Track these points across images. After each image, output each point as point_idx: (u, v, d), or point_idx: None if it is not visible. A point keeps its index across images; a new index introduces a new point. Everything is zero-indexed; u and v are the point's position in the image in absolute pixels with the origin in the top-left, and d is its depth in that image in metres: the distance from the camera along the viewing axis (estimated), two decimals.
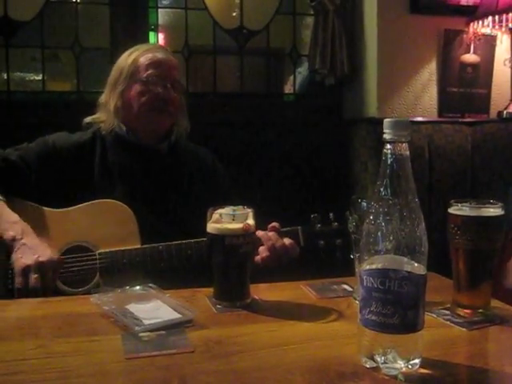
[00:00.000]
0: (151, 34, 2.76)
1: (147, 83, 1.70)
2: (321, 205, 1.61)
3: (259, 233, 1.44)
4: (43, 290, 1.40)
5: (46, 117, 2.41)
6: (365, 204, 1.14)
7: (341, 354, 0.95)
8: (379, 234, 0.85)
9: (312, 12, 2.73)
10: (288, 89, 3.00)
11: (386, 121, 0.86)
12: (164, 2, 2.86)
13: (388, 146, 0.86)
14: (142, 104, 1.71)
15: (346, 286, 1.34)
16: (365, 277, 0.87)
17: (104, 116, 1.75)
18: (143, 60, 1.73)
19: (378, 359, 0.87)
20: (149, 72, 1.71)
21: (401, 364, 0.87)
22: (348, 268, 1.25)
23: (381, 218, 0.86)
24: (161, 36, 2.89)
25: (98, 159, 1.71)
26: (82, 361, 0.93)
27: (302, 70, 2.92)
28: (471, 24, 2.61)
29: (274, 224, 1.51)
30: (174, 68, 1.77)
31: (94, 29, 2.74)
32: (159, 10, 2.76)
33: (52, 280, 1.44)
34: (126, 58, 1.76)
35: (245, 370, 0.90)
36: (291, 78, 2.94)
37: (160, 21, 2.79)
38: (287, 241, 1.48)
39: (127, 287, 1.26)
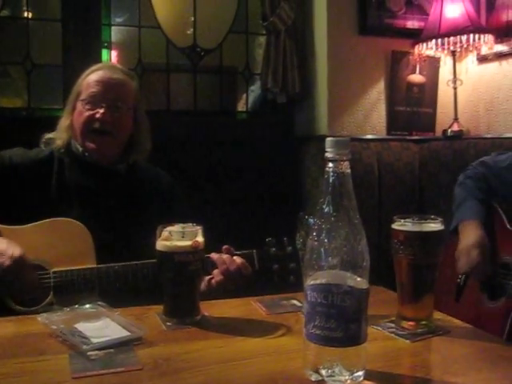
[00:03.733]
0: (104, 52, 2.75)
1: (86, 103, 1.68)
2: (273, 222, 1.63)
3: (213, 255, 1.45)
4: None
5: None
6: (312, 221, 1.16)
7: (287, 369, 0.96)
8: (322, 249, 0.88)
9: (264, 32, 2.78)
10: (241, 107, 3.04)
11: (328, 140, 0.89)
12: (117, 20, 2.85)
13: (330, 164, 0.89)
14: (79, 125, 1.69)
15: (295, 302, 1.36)
16: (309, 292, 0.89)
17: (61, 135, 1.74)
18: (89, 79, 1.71)
19: (323, 372, 0.89)
20: (89, 92, 1.68)
21: (345, 376, 0.89)
22: (301, 286, 1.28)
23: (324, 235, 0.88)
24: (114, 53, 2.88)
25: (55, 177, 1.69)
26: (27, 382, 0.92)
27: (255, 89, 2.96)
28: (416, 46, 2.71)
29: (226, 246, 1.51)
30: (120, 86, 1.72)
31: (46, 45, 2.71)
32: (112, 27, 2.76)
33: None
34: (81, 77, 1.74)
35: None
36: (244, 96, 2.97)
37: (113, 38, 2.79)
38: (239, 260, 1.49)
39: (76, 306, 1.25)
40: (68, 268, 1.53)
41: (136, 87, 1.79)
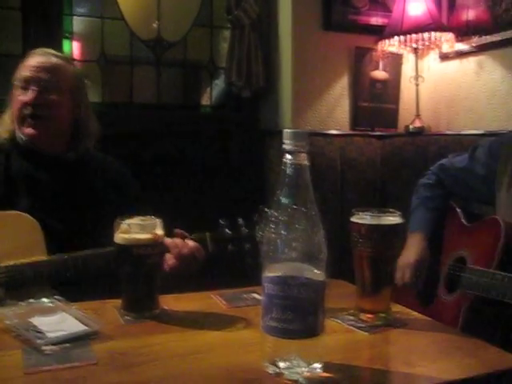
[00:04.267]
0: (65, 42, 2.69)
1: (18, 89, 1.66)
2: (233, 213, 1.61)
3: (166, 240, 1.43)
4: None
5: None
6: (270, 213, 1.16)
7: (245, 362, 0.96)
8: (279, 241, 0.88)
9: (229, 25, 2.77)
10: (205, 100, 3.02)
11: (286, 131, 0.89)
12: (79, 10, 2.80)
13: (287, 155, 0.89)
14: (14, 112, 1.67)
15: (255, 295, 1.36)
16: (266, 284, 0.89)
17: (3, 126, 1.71)
18: (22, 65, 1.69)
19: (281, 364, 0.89)
20: (20, 77, 1.66)
21: (302, 368, 0.89)
22: (259, 275, 1.28)
23: (280, 226, 0.88)
24: (76, 45, 2.82)
25: (1, 170, 1.65)
26: None
27: (219, 82, 2.95)
28: (380, 42, 2.74)
29: (179, 230, 1.50)
30: (52, 69, 1.68)
31: (5, 34, 2.64)
32: (74, 17, 2.71)
33: None
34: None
35: (148, 380, 0.89)
36: (208, 89, 2.96)
37: (75, 29, 2.73)
38: (191, 242, 1.47)
39: (32, 300, 1.22)
40: (18, 262, 1.50)
41: (73, 71, 1.77)
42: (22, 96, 1.65)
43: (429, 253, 1.78)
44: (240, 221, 1.56)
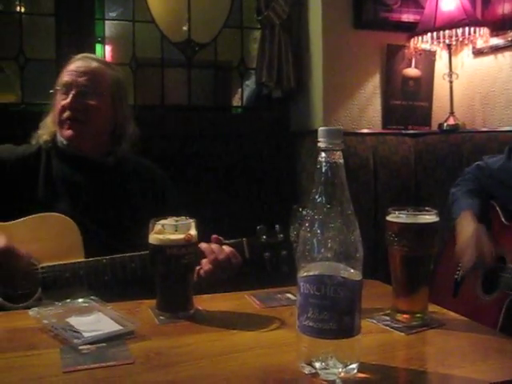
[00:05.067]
0: (98, 46, 2.73)
1: (59, 94, 1.69)
2: (269, 216, 1.61)
3: (202, 245, 1.44)
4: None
5: None
6: (305, 213, 1.15)
7: (281, 362, 0.95)
8: (315, 240, 0.87)
9: (259, 26, 2.76)
10: (236, 102, 3.03)
11: (321, 129, 0.88)
12: (111, 14, 2.84)
13: (322, 154, 0.88)
14: (55, 115, 1.70)
15: (289, 295, 1.35)
16: (302, 283, 0.88)
17: (45, 129, 1.74)
18: (64, 70, 1.72)
19: (317, 365, 0.88)
20: (61, 81, 1.69)
21: (339, 369, 0.88)
22: (295, 279, 1.27)
23: (316, 225, 0.87)
24: (108, 48, 2.87)
25: (42, 172, 1.68)
26: (17, 376, 0.90)
27: (250, 83, 2.95)
28: (412, 39, 2.70)
29: (215, 236, 1.51)
30: (92, 74, 1.70)
31: (39, 40, 2.69)
32: (106, 22, 2.74)
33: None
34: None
35: (184, 380, 0.89)
36: (239, 90, 2.96)
37: (107, 33, 2.77)
38: (228, 248, 1.48)
39: (68, 300, 1.23)
40: (56, 263, 1.52)
41: (113, 75, 1.77)
42: (62, 100, 1.68)
43: (484, 226, 1.71)
44: (277, 227, 1.56)
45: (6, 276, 1.44)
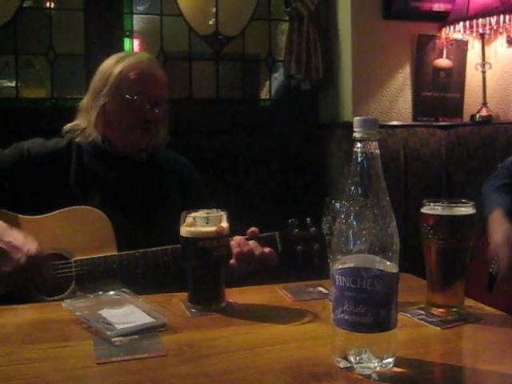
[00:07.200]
0: (126, 41, 2.74)
1: (132, 101, 1.65)
2: (298, 209, 1.60)
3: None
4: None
5: (20, 124, 2.38)
6: (338, 205, 1.14)
7: (315, 355, 0.94)
8: (350, 232, 0.85)
9: (287, 18, 2.74)
10: (264, 94, 3.01)
11: (356, 119, 0.87)
12: (139, 8, 2.84)
13: (358, 144, 0.86)
14: (124, 122, 1.66)
15: (321, 289, 1.34)
16: (337, 276, 0.87)
17: (84, 123, 1.71)
18: (131, 74, 1.65)
19: (352, 359, 0.87)
20: (135, 89, 1.65)
21: (374, 363, 0.86)
22: (326, 272, 1.26)
23: (352, 217, 0.86)
24: (136, 42, 2.87)
25: (73, 167, 1.68)
26: (52, 367, 0.91)
27: (278, 76, 2.92)
28: (443, 29, 2.65)
29: (252, 229, 1.50)
30: (162, 85, 1.71)
31: (68, 35, 2.71)
32: (134, 16, 2.75)
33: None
34: (112, 67, 1.68)
35: (217, 372, 0.89)
36: (267, 83, 2.94)
37: (135, 27, 2.78)
38: (266, 249, 1.46)
39: (100, 293, 1.24)
40: (89, 256, 1.53)
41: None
42: (136, 108, 1.65)
43: None
44: (308, 220, 1.55)
45: (33, 278, 1.46)
